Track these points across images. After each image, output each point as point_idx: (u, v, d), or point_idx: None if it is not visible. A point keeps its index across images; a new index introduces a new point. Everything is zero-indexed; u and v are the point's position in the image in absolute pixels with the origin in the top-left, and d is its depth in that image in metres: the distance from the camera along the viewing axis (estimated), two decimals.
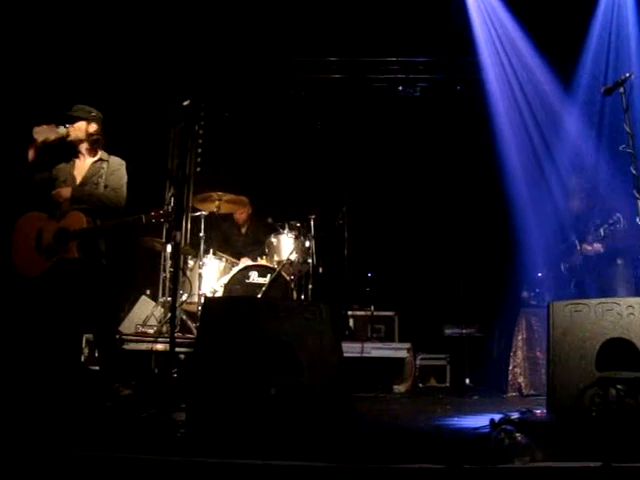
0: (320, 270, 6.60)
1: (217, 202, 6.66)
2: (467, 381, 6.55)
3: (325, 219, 6.88)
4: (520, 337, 6.00)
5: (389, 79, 7.47)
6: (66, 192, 4.92)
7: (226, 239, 7.13)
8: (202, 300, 6.06)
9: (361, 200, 7.40)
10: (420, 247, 7.58)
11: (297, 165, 7.59)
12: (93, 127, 5.04)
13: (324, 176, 7.52)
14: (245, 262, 6.59)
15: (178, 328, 5.80)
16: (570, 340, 3.99)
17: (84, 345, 5.61)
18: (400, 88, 7.42)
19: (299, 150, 7.62)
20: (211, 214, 6.65)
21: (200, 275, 6.39)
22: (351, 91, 7.49)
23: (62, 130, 5.01)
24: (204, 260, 6.51)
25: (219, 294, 6.29)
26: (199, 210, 6.61)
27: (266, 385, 3.71)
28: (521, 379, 5.89)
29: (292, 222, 6.69)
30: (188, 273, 6.47)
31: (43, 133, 4.92)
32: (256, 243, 6.98)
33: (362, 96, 7.57)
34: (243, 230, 7.20)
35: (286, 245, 6.69)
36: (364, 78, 7.45)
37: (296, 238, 6.66)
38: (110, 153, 5.10)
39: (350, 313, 6.84)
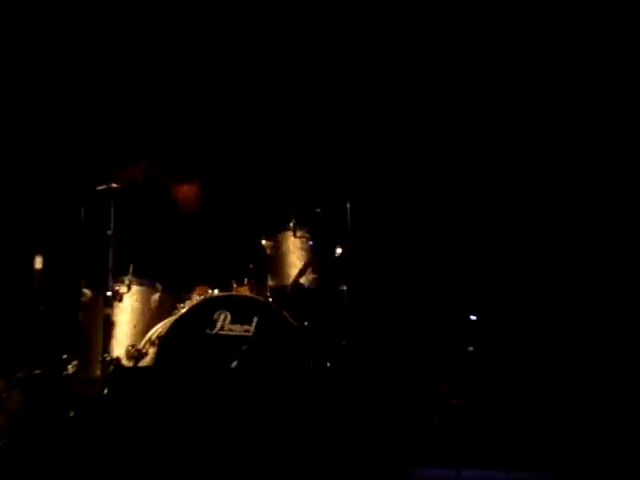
0: (367, 308, 4.66)
1: (143, 165, 4.63)
2: None
3: (374, 203, 4.82)
4: None
5: None
6: None
7: (163, 242, 5.01)
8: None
9: (447, 168, 5.08)
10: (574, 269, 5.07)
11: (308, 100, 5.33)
12: None
13: (366, 124, 5.17)
14: (205, 292, 4.68)
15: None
16: None
17: None
18: None
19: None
20: (130, 187, 4.58)
21: (109, 320, 4.47)
22: None
23: None
24: (117, 287, 4.53)
25: (147, 361, 4.47)
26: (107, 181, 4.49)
27: None
28: None
29: (303, 209, 4.73)
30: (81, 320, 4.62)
31: None
32: (226, 250, 4.95)
33: None
34: (194, 222, 5.07)
35: (292, 255, 4.72)
36: None
37: (311, 239, 4.69)
38: None
39: (433, 401, 4.67)
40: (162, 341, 4.46)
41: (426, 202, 5.02)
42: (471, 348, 4.42)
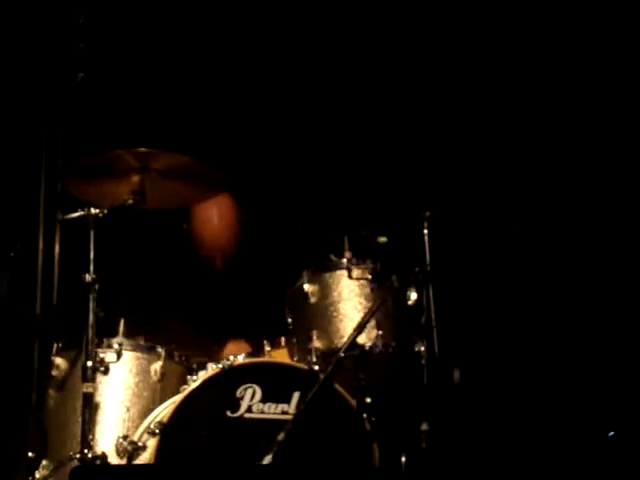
0: (457, 377, 3.75)
1: (136, 177, 3.72)
2: None
3: (467, 224, 3.94)
4: None
5: None
6: None
7: (166, 288, 4.26)
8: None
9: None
10: None
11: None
12: None
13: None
14: (228, 354, 4.05)
15: None
16: None
17: None
18: None
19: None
20: (119, 212, 3.76)
21: (90, 401, 3.72)
22: None
23: None
24: (102, 354, 3.80)
25: (146, 457, 3.71)
26: (82, 207, 3.72)
27: None
28: None
29: (361, 236, 3.94)
30: (51, 402, 3.88)
31: None
32: (254, 298, 4.24)
33: None
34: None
35: (346, 303, 3.99)
36: None
37: (373, 280, 3.96)
38: None
39: None
40: (165, 429, 3.69)
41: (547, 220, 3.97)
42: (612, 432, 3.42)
